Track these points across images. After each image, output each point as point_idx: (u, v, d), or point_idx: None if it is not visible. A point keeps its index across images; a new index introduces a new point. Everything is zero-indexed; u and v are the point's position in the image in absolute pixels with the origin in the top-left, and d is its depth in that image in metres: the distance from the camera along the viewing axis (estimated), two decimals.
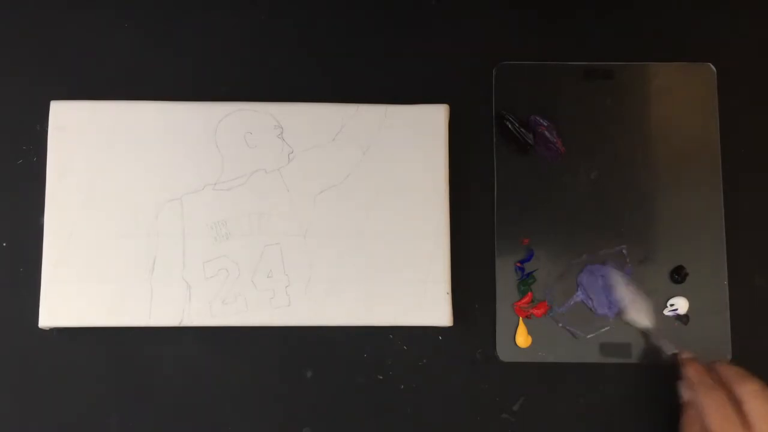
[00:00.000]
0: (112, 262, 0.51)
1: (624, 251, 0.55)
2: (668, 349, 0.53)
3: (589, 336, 0.54)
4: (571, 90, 0.56)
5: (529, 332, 0.54)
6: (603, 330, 0.54)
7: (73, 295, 0.51)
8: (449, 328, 0.52)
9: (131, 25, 0.57)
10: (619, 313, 0.53)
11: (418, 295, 0.52)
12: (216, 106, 0.53)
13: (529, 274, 0.54)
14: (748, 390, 0.48)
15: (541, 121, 0.55)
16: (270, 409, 0.53)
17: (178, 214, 0.52)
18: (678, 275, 0.54)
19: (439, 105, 0.54)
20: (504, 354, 0.54)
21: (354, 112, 0.53)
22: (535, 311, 0.54)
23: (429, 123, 0.53)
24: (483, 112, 0.56)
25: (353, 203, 0.53)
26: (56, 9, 0.56)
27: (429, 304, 0.52)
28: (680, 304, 0.54)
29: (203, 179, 0.52)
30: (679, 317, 0.54)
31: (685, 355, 0.52)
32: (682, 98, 0.56)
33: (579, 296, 0.54)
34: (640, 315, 0.53)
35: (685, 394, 0.51)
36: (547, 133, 0.55)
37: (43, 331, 0.52)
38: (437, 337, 0.54)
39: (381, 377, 0.54)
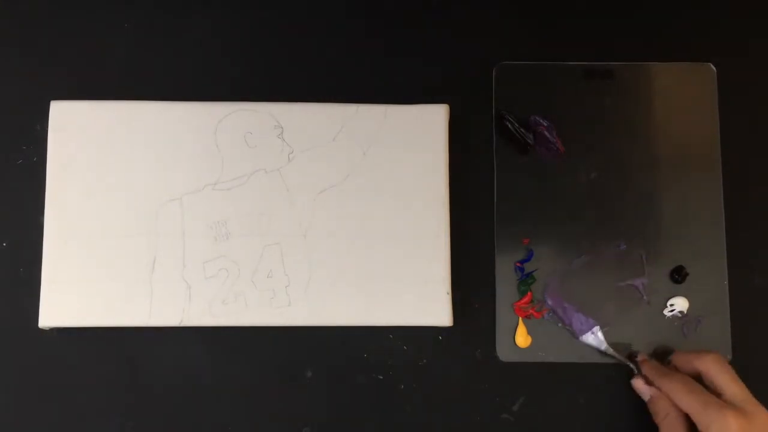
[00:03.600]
0: (112, 262, 0.51)
1: (624, 251, 0.54)
2: (626, 361, 0.53)
3: None
4: (571, 90, 0.56)
5: (529, 332, 0.54)
6: (603, 330, 0.54)
7: (73, 295, 0.51)
8: (449, 328, 0.52)
9: (131, 25, 0.57)
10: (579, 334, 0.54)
11: (418, 295, 0.52)
12: (216, 106, 0.53)
13: (529, 274, 0.54)
14: (706, 360, 0.49)
15: (541, 121, 0.55)
16: (270, 409, 0.53)
17: (178, 214, 0.52)
18: (678, 275, 0.54)
19: (439, 105, 0.54)
20: (504, 354, 0.54)
21: (354, 112, 0.53)
22: (534, 311, 0.54)
23: (429, 123, 0.53)
24: (483, 112, 0.56)
25: (353, 203, 0.53)
26: (56, 9, 0.56)
27: (429, 304, 0.52)
28: (680, 304, 0.54)
29: (203, 179, 0.52)
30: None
31: (639, 357, 0.52)
32: (682, 98, 0.56)
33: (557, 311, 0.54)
34: (589, 338, 0.53)
35: (646, 391, 0.51)
36: (546, 133, 0.55)
37: (43, 331, 0.52)
38: (437, 337, 0.54)
39: (381, 377, 0.54)
